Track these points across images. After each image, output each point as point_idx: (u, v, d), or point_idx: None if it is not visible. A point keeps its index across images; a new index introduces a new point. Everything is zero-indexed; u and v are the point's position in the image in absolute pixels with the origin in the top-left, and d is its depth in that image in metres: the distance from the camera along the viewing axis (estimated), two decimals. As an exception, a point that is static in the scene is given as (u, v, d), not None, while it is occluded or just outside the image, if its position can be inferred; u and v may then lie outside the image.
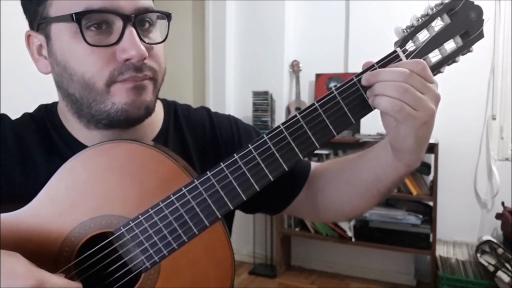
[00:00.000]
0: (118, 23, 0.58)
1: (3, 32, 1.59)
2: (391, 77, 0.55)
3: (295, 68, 3.04)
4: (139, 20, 0.60)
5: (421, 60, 0.57)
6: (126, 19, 0.58)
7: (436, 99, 0.56)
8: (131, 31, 0.58)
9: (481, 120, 2.65)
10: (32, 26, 0.64)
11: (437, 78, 0.59)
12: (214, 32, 3.12)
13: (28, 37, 0.64)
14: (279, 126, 0.59)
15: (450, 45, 0.60)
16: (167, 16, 0.64)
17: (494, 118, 2.62)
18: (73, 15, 0.56)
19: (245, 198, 0.60)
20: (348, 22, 2.90)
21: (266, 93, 2.98)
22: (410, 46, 0.59)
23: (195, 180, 0.60)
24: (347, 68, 2.93)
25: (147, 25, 0.62)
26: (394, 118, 0.57)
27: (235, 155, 0.59)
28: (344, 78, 2.88)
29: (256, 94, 3.00)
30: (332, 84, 2.91)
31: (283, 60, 3.04)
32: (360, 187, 0.71)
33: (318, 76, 2.97)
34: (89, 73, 0.59)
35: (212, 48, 3.14)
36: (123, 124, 0.62)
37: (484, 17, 0.59)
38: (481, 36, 0.59)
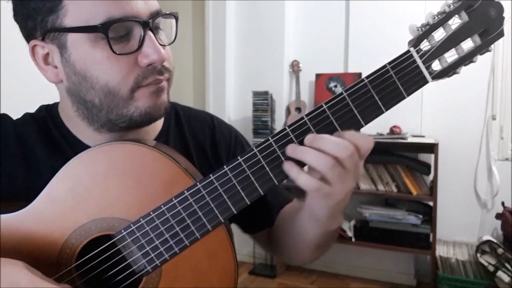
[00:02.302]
0: (136, 29, 0.59)
1: (3, 32, 1.58)
2: (329, 148, 0.53)
3: (295, 68, 3.03)
4: (154, 24, 0.60)
5: (372, 139, 0.55)
6: (145, 25, 0.59)
7: (357, 178, 0.56)
8: (150, 36, 0.59)
9: (481, 120, 2.65)
10: (34, 34, 0.61)
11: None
12: (214, 32, 3.12)
13: (33, 47, 0.62)
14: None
15: (467, 44, 0.56)
16: (176, 16, 0.65)
17: (494, 118, 2.62)
18: (98, 26, 0.56)
19: (248, 202, 0.59)
20: (348, 22, 2.89)
21: (266, 93, 2.97)
22: (424, 45, 0.56)
23: (198, 183, 0.59)
24: (347, 68, 2.92)
25: (158, 27, 0.63)
26: (310, 194, 0.57)
27: (239, 158, 0.58)
28: (344, 78, 2.87)
29: (256, 94, 2.99)
30: (332, 84, 2.91)
31: (283, 60, 3.03)
32: (300, 240, 0.69)
33: (318, 76, 2.96)
34: (115, 81, 0.59)
35: (212, 48, 3.13)
36: (144, 125, 0.64)
37: (504, 14, 0.55)
38: (501, 34, 0.55)
